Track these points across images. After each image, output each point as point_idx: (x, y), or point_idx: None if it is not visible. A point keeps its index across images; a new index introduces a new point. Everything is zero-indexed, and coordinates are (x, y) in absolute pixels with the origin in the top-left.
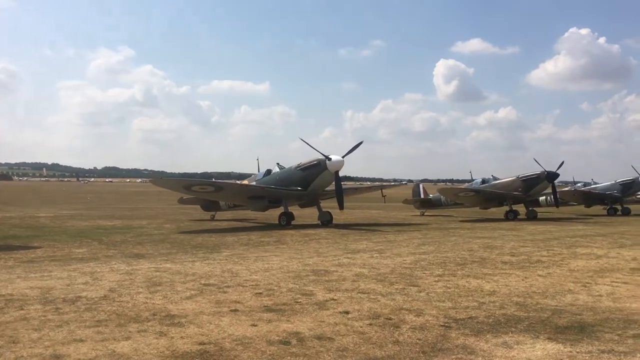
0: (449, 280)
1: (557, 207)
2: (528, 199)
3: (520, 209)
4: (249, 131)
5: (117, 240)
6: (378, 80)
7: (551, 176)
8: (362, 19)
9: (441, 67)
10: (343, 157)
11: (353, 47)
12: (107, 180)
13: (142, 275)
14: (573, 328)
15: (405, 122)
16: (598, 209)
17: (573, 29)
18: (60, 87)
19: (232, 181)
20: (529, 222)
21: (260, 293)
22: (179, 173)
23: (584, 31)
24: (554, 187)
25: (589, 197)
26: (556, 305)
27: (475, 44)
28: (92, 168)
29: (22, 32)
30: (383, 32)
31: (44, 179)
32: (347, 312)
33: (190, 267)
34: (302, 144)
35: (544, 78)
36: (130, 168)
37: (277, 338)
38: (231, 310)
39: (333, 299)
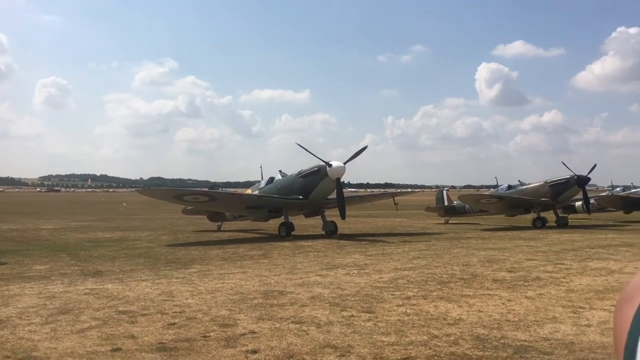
0: (414, 305)
1: (589, 213)
2: (558, 205)
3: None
4: (290, 139)
5: (95, 254)
6: (419, 85)
7: (582, 180)
8: (402, 24)
9: (483, 70)
10: (345, 163)
11: (392, 53)
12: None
13: (62, 300)
14: None
15: (447, 128)
16: None
17: (621, 28)
18: (107, 100)
19: (232, 190)
20: (557, 230)
21: (174, 324)
22: (222, 182)
23: (633, 30)
24: (585, 193)
25: (628, 203)
26: (525, 340)
27: (518, 46)
28: (139, 178)
29: (69, 46)
30: (423, 36)
31: (90, 190)
32: (254, 352)
33: (131, 289)
34: (344, 150)
35: (591, 80)
36: (175, 178)
37: None
38: (112, 350)
39: (253, 332)
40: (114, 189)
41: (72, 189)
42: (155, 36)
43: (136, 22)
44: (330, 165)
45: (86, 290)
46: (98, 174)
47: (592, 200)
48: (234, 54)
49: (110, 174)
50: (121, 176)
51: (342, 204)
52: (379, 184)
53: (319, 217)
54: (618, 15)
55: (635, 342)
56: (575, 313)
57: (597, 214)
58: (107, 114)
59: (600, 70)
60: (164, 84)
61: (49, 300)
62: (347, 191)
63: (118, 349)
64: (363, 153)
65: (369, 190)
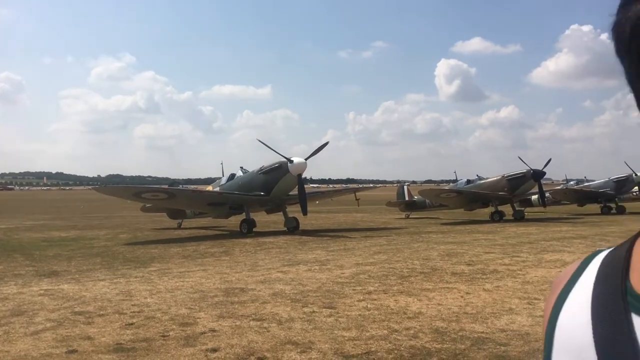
0: (375, 299)
1: (545, 206)
2: (515, 199)
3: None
4: (252, 135)
5: (50, 254)
6: (380, 81)
7: (537, 175)
8: (362, 20)
9: (442, 67)
10: (306, 159)
11: (353, 49)
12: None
13: (15, 301)
14: None
15: (408, 123)
16: (594, 207)
17: (575, 26)
18: (62, 96)
19: (192, 186)
20: (514, 223)
21: (132, 324)
22: (182, 179)
23: (586, 28)
24: (540, 186)
25: (582, 196)
26: (482, 332)
27: (476, 43)
28: (96, 176)
29: (22, 41)
30: (384, 32)
31: (45, 188)
32: (214, 350)
33: (88, 289)
34: (306, 147)
35: (546, 76)
36: (135, 175)
37: None
38: (68, 352)
39: (213, 330)
40: (70, 187)
41: (26, 187)
42: (112, 30)
43: (91, 15)
44: (291, 162)
45: (41, 291)
46: (54, 172)
47: (547, 194)
48: (193, 49)
49: (66, 172)
50: (78, 174)
51: (303, 200)
52: (341, 179)
53: (281, 213)
54: (572, 13)
55: (552, 330)
56: (530, 304)
57: (552, 207)
58: (62, 110)
59: (554, 66)
60: (122, 79)
61: (2, 302)
62: (309, 187)
63: (74, 351)
64: (325, 149)
65: (330, 186)
